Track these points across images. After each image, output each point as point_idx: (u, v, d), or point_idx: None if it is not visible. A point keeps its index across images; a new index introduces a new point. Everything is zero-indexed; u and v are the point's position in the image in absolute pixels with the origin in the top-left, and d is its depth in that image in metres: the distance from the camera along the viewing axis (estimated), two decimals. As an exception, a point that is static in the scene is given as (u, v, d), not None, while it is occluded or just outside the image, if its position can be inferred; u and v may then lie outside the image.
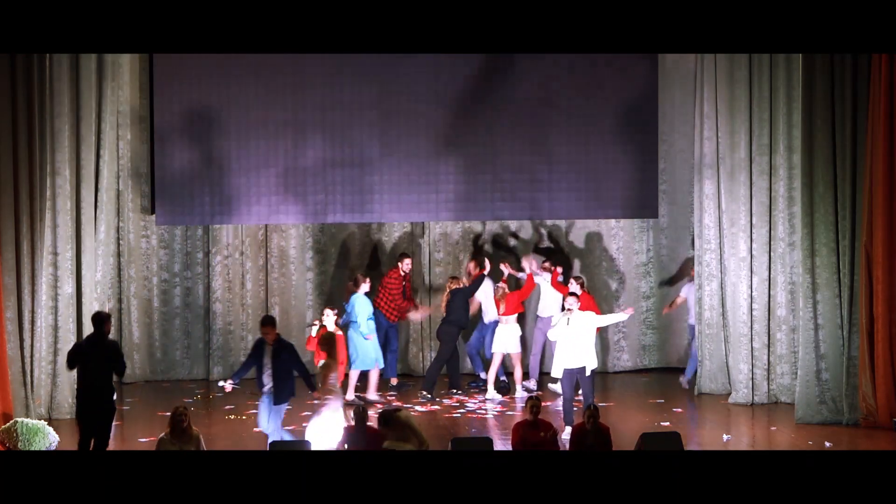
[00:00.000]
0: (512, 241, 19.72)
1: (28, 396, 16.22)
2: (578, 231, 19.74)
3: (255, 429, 16.37)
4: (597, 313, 18.07)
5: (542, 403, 14.55)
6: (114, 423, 14.45)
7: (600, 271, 19.67)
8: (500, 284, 18.20)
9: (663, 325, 19.79)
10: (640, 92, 18.61)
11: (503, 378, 18.38)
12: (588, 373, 15.79)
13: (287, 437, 14.57)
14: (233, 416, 17.08)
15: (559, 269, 18.57)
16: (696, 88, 18.40)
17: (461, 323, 18.14)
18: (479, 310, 18.62)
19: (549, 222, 19.61)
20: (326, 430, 14.57)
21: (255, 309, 19.36)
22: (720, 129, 17.72)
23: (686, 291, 18.46)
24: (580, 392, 16.08)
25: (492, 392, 18.01)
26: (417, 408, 17.42)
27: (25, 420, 15.05)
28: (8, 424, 14.98)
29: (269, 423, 14.67)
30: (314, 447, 13.91)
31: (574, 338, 15.74)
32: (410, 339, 19.57)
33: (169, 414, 13.46)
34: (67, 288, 16.73)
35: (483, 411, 17.32)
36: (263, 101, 18.32)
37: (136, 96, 18.62)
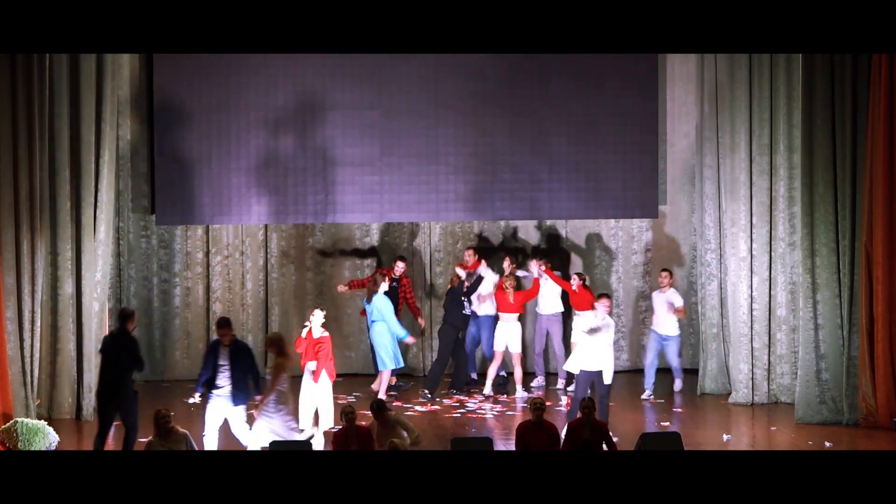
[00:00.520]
0: (513, 241, 19.71)
1: (28, 396, 16.22)
2: (578, 231, 19.73)
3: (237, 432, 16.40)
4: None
5: (546, 404, 14.54)
6: (115, 423, 14.48)
7: (599, 271, 19.67)
8: (508, 276, 18.15)
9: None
10: (640, 92, 18.60)
11: (503, 374, 18.37)
12: (608, 380, 15.64)
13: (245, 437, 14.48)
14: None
15: (548, 264, 18.57)
16: (696, 88, 18.43)
17: (458, 323, 18.13)
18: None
19: (548, 222, 19.60)
20: (270, 431, 14.44)
21: (255, 309, 19.37)
22: (720, 129, 17.72)
23: (656, 301, 18.25)
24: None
25: (489, 389, 17.99)
26: (417, 408, 17.43)
27: (25, 420, 15.05)
28: (8, 424, 14.98)
29: (237, 428, 14.57)
30: (255, 447, 13.90)
31: (596, 341, 15.65)
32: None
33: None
34: (67, 288, 16.73)
35: (483, 411, 17.32)
36: (263, 101, 18.32)
37: (136, 96, 18.61)
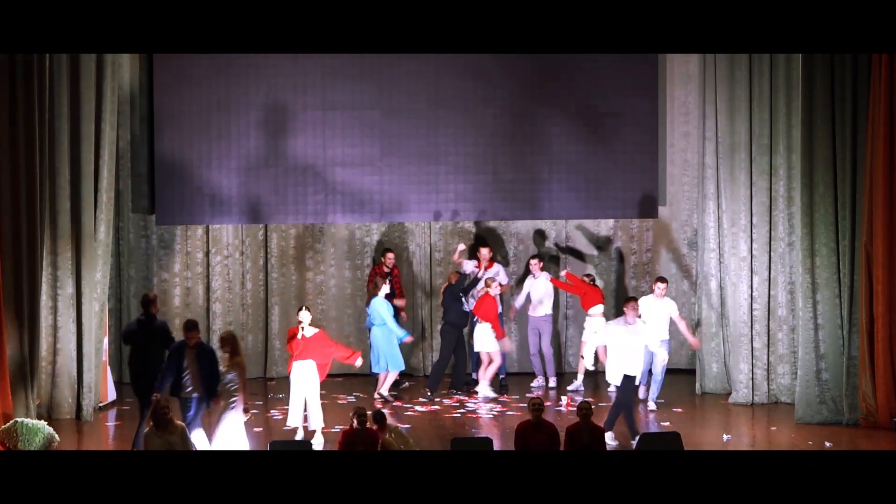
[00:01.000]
0: (516, 241, 19.72)
1: (28, 396, 16.21)
2: (578, 231, 19.72)
3: (255, 429, 16.40)
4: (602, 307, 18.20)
5: (545, 404, 14.54)
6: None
7: (600, 271, 19.66)
8: (490, 279, 18.11)
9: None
10: (640, 92, 18.62)
11: (503, 377, 18.36)
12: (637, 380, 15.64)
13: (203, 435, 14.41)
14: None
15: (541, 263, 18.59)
16: (696, 88, 18.43)
17: (455, 322, 18.13)
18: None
19: (548, 222, 19.60)
20: (231, 432, 14.37)
21: (255, 309, 19.37)
22: (720, 129, 17.72)
23: (652, 307, 17.99)
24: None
25: (486, 390, 17.96)
26: (417, 408, 17.43)
27: (25, 420, 15.03)
28: (8, 424, 14.97)
29: (202, 430, 14.51)
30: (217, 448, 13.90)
31: (632, 345, 15.54)
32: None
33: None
34: (67, 288, 16.73)
35: (483, 411, 17.32)
36: (263, 101, 18.34)
37: (136, 96, 18.61)
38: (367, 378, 18.49)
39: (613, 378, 15.77)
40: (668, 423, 16.39)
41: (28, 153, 16.11)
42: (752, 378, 17.50)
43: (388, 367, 17.77)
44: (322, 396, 16.27)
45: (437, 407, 17.53)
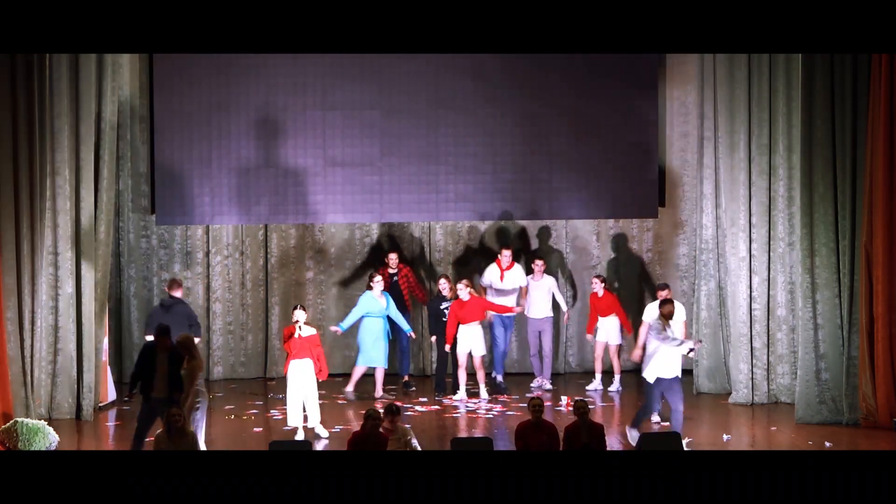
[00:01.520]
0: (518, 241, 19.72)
1: (28, 396, 16.21)
2: (578, 231, 19.72)
3: (255, 429, 16.41)
4: (621, 311, 18.14)
5: (545, 404, 14.54)
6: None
7: (599, 271, 19.65)
8: (464, 282, 17.98)
9: (663, 325, 19.77)
10: (640, 92, 18.62)
11: (501, 380, 18.34)
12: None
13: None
14: (233, 417, 17.07)
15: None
16: (696, 88, 18.42)
17: (440, 332, 18.07)
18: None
19: (547, 222, 19.59)
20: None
21: (255, 309, 19.37)
22: (720, 129, 17.71)
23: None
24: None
25: (462, 394, 17.88)
26: (418, 407, 17.43)
27: (25, 420, 15.04)
28: (8, 424, 14.97)
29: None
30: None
31: (667, 349, 15.19)
32: (411, 340, 19.53)
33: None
34: (67, 288, 16.73)
35: (483, 411, 17.32)
36: (263, 101, 18.34)
37: (136, 96, 18.62)
38: (368, 378, 18.47)
39: (649, 374, 15.22)
40: (668, 423, 16.37)
41: (28, 153, 16.11)
42: (752, 378, 17.50)
43: (357, 359, 17.70)
44: (321, 396, 16.28)
45: (436, 407, 17.54)
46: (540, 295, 18.51)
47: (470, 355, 17.89)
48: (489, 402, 17.70)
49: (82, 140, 16.77)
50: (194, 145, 18.28)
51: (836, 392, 16.52)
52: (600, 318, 18.22)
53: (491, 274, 18.46)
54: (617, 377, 18.42)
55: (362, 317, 17.84)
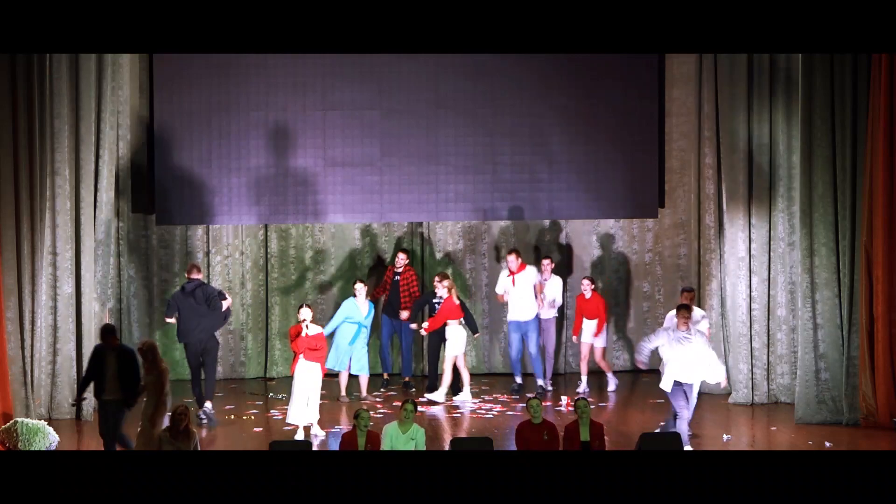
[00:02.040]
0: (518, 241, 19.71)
1: (28, 396, 16.22)
2: (578, 231, 19.72)
3: (255, 429, 16.41)
4: (603, 316, 18.02)
5: (544, 403, 14.54)
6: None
7: (599, 271, 19.66)
8: (451, 282, 17.94)
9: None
10: (640, 92, 18.63)
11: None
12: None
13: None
14: (232, 417, 17.07)
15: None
16: (696, 88, 18.43)
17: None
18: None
19: (547, 222, 19.59)
20: None
21: (255, 309, 19.37)
22: (720, 129, 17.72)
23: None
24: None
25: (441, 396, 17.83)
26: (418, 408, 17.42)
27: (25, 420, 15.06)
28: (8, 424, 14.98)
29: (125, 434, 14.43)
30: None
31: (687, 352, 15.00)
32: (413, 341, 19.52)
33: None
34: (67, 288, 16.73)
35: (483, 411, 17.32)
36: (263, 101, 18.34)
37: (136, 96, 18.61)
38: (370, 378, 18.45)
39: (665, 385, 15.04)
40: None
41: (28, 153, 16.11)
42: (752, 378, 17.50)
43: (331, 362, 17.65)
44: (321, 396, 16.27)
45: (437, 407, 17.54)
46: (550, 295, 18.38)
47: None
48: (479, 402, 17.69)
49: (82, 140, 16.77)
50: (194, 145, 18.28)
51: (836, 392, 16.53)
52: (585, 321, 18.18)
53: (503, 283, 18.38)
54: (609, 375, 18.39)
55: (342, 322, 17.80)
